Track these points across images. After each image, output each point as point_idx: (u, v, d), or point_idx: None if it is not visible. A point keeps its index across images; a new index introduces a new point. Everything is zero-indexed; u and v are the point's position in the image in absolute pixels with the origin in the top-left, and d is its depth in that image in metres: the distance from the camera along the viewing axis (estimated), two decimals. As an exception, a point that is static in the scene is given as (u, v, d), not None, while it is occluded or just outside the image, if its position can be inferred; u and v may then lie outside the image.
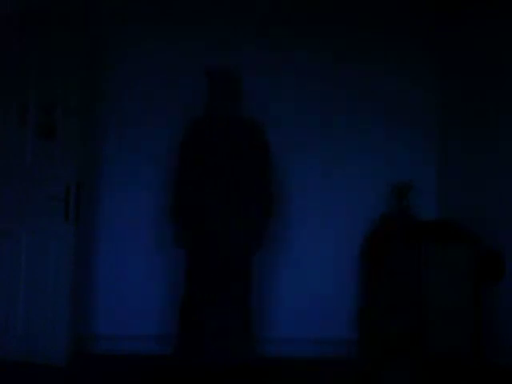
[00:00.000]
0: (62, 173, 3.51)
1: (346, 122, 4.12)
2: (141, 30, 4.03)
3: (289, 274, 3.99)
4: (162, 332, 3.85)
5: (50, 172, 3.54)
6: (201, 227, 3.42)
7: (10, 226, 3.57)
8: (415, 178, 4.07)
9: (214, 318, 3.34)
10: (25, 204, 3.56)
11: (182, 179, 3.50)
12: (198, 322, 3.34)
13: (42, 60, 3.59)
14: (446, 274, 3.37)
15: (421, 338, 3.35)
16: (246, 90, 3.80)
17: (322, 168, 4.08)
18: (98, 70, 3.97)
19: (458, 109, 4.02)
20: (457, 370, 3.34)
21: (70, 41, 3.56)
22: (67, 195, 3.48)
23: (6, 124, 3.61)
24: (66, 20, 3.59)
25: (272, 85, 4.05)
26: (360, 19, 4.17)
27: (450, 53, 4.15)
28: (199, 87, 3.76)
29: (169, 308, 3.87)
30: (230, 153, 3.46)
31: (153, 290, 3.92)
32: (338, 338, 3.94)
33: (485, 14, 3.74)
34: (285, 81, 4.08)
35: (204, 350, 3.32)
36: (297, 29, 4.12)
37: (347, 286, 4.01)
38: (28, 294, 3.52)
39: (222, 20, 4.08)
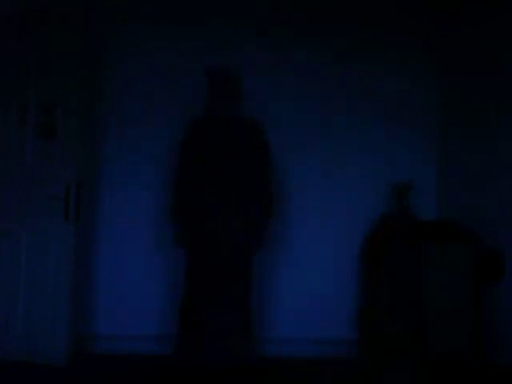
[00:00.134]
0: (62, 173, 3.51)
1: (346, 122, 4.12)
2: (141, 29, 4.03)
3: (289, 274, 3.99)
4: (162, 332, 3.85)
5: (50, 172, 3.54)
6: (201, 227, 3.42)
7: (9, 226, 3.57)
8: (415, 178, 4.07)
9: (214, 317, 3.34)
10: (25, 204, 3.56)
11: (182, 179, 3.50)
12: (198, 321, 3.34)
13: (42, 60, 3.59)
14: (446, 274, 3.37)
15: (421, 338, 3.35)
16: (246, 90, 3.80)
17: (322, 168, 4.08)
18: (98, 70, 3.97)
19: (458, 109, 4.02)
20: (457, 370, 3.34)
21: (70, 41, 3.56)
22: (67, 195, 3.48)
23: (6, 124, 3.61)
24: (66, 20, 3.59)
25: (272, 85, 4.05)
26: (360, 19, 4.17)
27: (449, 53, 4.15)
28: (199, 87, 3.76)
29: (169, 308, 3.87)
30: (230, 153, 3.46)
31: (153, 290, 3.92)
32: (338, 338, 3.94)
33: (485, 14, 3.74)
34: (285, 81, 4.08)
35: (204, 350, 3.32)
36: (297, 29, 4.12)
37: (347, 286, 4.01)
38: (28, 294, 3.52)
39: (222, 20, 4.08)
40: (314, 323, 3.96)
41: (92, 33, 3.81)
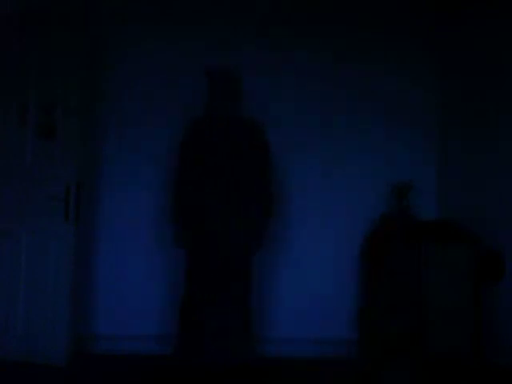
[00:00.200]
0: (62, 173, 3.51)
1: (346, 122, 4.12)
2: (141, 29, 4.03)
3: (289, 274, 3.99)
4: (162, 332, 3.85)
5: (50, 172, 3.54)
6: (201, 227, 3.42)
7: (9, 226, 3.57)
8: (415, 178, 4.07)
9: (214, 317, 3.34)
10: (25, 204, 3.56)
11: (182, 179, 3.50)
12: (198, 321, 3.34)
13: (42, 60, 3.59)
14: (446, 274, 3.37)
15: (421, 338, 3.35)
16: (246, 90, 3.80)
17: (322, 168, 4.08)
18: (98, 70, 3.97)
19: (458, 109, 4.02)
20: (457, 370, 3.34)
21: (70, 41, 3.56)
22: (67, 195, 3.48)
23: (6, 124, 3.61)
24: (66, 20, 3.59)
25: (272, 85, 4.05)
26: (360, 19, 4.17)
27: (450, 53, 4.15)
28: (199, 87, 3.76)
29: (169, 308, 3.87)
30: (230, 153, 3.46)
31: (153, 290, 3.92)
32: (338, 338, 3.94)
33: (485, 14, 3.74)
34: (285, 81, 4.08)
35: (204, 350, 3.32)
36: (297, 29, 4.12)
37: (347, 286, 4.01)
38: (28, 294, 3.52)
39: (222, 20, 4.08)
40: (314, 323, 3.96)
41: (92, 33, 3.81)
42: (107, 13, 4.01)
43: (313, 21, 4.14)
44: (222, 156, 3.45)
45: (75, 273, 3.52)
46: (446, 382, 3.27)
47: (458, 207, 3.95)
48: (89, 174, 3.92)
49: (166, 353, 3.76)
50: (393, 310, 3.60)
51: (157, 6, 4.07)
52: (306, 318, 3.96)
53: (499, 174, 3.53)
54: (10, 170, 3.59)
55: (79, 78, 3.55)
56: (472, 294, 3.39)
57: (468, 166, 3.86)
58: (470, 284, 3.39)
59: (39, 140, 3.57)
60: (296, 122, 4.07)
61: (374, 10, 4.18)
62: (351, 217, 4.06)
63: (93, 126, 3.95)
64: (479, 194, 3.71)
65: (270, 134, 3.63)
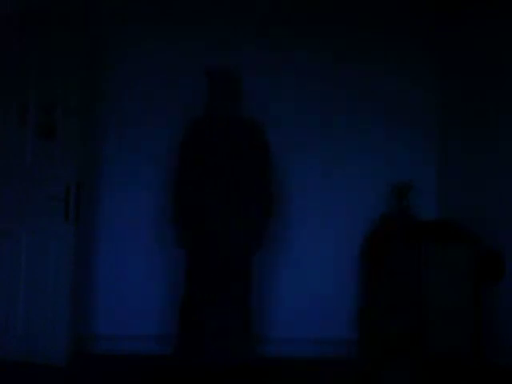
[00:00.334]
0: (62, 173, 3.51)
1: (346, 122, 4.12)
2: (141, 29, 4.03)
3: (289, 274, 3.99)
4: (162, 332, 3.85)
5: (50, 172, 3.54)
6: (201, 227, 3.42)
7: (9, 226, 3.57)
8: (415, 178, 4.07)
9: (214, 317, 3.34)
10: (25, 204, 3.56)
11: (182, 179, 3.50)
12: (198, 321, 3.34)
13: (42, 60, 3.59)
14: (446, 274, 3.37)
15: (421, 338, 3.35)
16: (246, 90, 3.80)
17: (322, 168, 4.08)
18: (98, 70, 3.97)
19: (458, 109, 4.02)
20: (457, 370, 3.34)
21: (70, 41, 3.56)
22: (67, 195, 3.48)
23: (6, 124, 3.61)
24: (66, 20, 3.59)
25: (272, 85, 4.05)
26: (360, 19, 4.17)
27: (450, 53, 4.15)
28: (199, 87, 3.76)
29: (169, 308, 3.87)
30: (230, 153, 3.46)
31: (153, 290, 3.92)
32: (338, 338, 3.94)
33: (485, 14, 3.74)
34: (285, 81, 4.08)
35: (204, 350, 3.32)
36: (297, 29, 4.12)
37: (347, 286, 4.01)
38: (28, 294, 3.52)
39: (222, 20, 4.08)
40: (314, 323, 3.96)
41: (92, 33, 3.81)
42: (107, 13, 4.01)
43: (313, 21, 4.14)
44: (222, 156, 3.45)
45: (75, 273, 3.52)
46: (446, 382, 3.27)
47: (458, 207, 3.95)
48: (89, 174, 3.92)
49: (166, 353, 3.76)
50: (393, 310, 3.60)
51: (157, 5, 4.07)
52: (305, 318, 3.96)
53: (499, 173, 3.53)
54: (10, 170, 3.59)
55: (79, 78, 3.55)
56: (472, 294, 3.39)
57: (468, 166, 3.86)
58: (470, 284, 3.39)
59: (39, 140, 3.57)
60: (296, 122, 4.07)
61: (374, 10, 4.18)
62: (351, 217, 4.06)
63: (93, 126, 3.95)
64: (479, 193, 3.71)
65: (270, 134, 3.63)
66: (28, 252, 3.54)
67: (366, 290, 3.94)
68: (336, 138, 4.10)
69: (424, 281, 3.35)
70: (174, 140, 3.85)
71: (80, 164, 3.58)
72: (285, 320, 3.94)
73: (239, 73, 3.60)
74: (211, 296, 3.35)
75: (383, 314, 3.69)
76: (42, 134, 3.57)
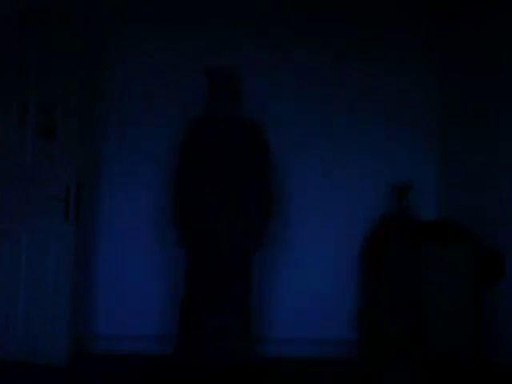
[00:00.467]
0: (62, 173, 3.51)
1: (346, 122, 4.12)
2: (141, 29, 4.03)
3: (289, 274, 3.99)
4: (162, 332, 3.85)
5: (50, 172, 3.54)
6: (201, 227, 3.42)
7: (9, 226, 3.57)
8: (415, 178, 4.07)
9: (214, 317, 3.34)
10: (25, 204, 3.56)
11: (182, 179, 3.50)
12: (198, 321, 3.34)
13: (42, 60, 3.59)
14: (446, 274, 3.37)
15: (421, 338, 3.35)
16: (246, 90, 3.79)
17: (322, 168, 4.08)
18: (98, 70, 3.97)
19: (458, 109, 4.02)
20: (457, 370, 3.34)
21: (70, 41, 3.56)
22: (67, 195, 3.48)
23: (6, 124, 3.61)
24: (66, 20, 3.59)
25: (272, 85, 4.05)
26: (360, 19, 4.17)
27: (450, 53, 4.15)
28: (199, 87, 3.76)
29: (169, 308, 3.87)
30: (230, 153, 3.46)
31: (153, 290, 3.92)
32: (338, 338, 3.94)
33: (485, 14, 3.74)
34: (285, 81, 4.08)
35: (204, 350, 3.32)
36: (297, 29, 4.12)
37: (347, 286, 4.01)
38: (28, 294, 3.52)
39: (222, 20, 4.08)
40: (314, 323, 3.96)
41: (92, 33, 3.81)
42: (107, 13, 4.01)
43: (313, 21, 4.14)
44: (222, 156, 3.45)
45: (75, 273, 3.52)
46: (446, 382, 3.27)
47: (458, 207, 3.95)
48: (89, 174, 3.92)
49: (166, 353, 3.76)
50: (393, 310, 3.60)
51: (157, 5, 4.07)
52: (305, 318, 3.96)
53: (499, 173, 3.53)
54: (10, 170, 3.59)
55: (79, 78, 3.55)
56: (472, 293, 3.39)
57: (468, 166, 3.86)
58: (470, 284, 3.39)
59: (39, 140, 3.57)
60: (296, 122, 4.07)
61: (374, 10, 4.18)
62: (351, 217, 4.06)
63: (93, 126, 3.95)
64: (479, 193, 3.71)
65: (270, 134, 3.63)
66: (28, 252, 3.54)
67: (365, 290, 3.94)
68: (336, 138, 4.10)
69: (424, 281, 3.35)
70: (174, 140, 3.85)
71: (80, 164, 3.58)
72: (285, 320, 3.94)
73: (239, 73, 3.60)
74: (211, 296, 3.35)
75: (383, 314, 3.69)
76: (42, 134, 3.57)
